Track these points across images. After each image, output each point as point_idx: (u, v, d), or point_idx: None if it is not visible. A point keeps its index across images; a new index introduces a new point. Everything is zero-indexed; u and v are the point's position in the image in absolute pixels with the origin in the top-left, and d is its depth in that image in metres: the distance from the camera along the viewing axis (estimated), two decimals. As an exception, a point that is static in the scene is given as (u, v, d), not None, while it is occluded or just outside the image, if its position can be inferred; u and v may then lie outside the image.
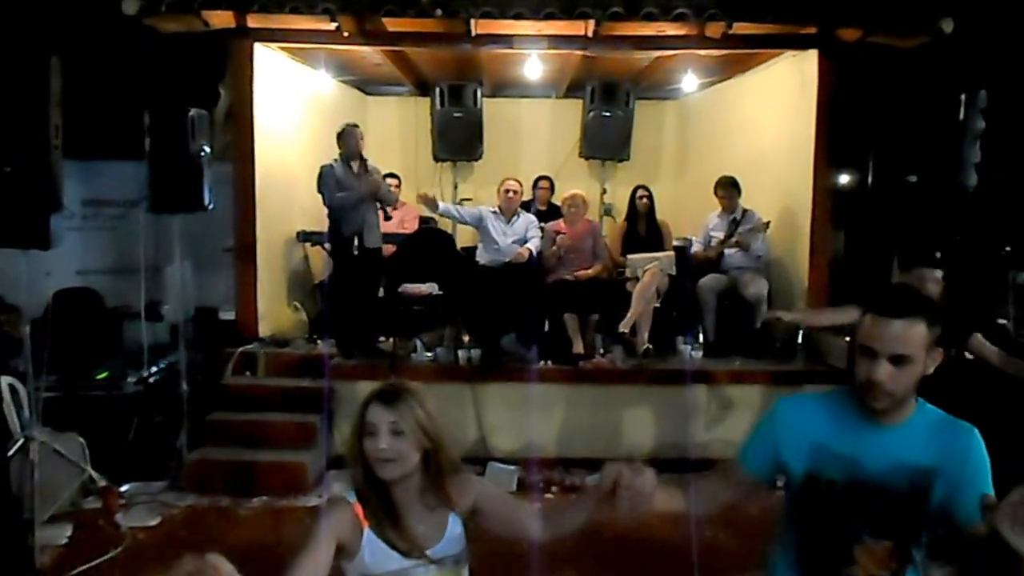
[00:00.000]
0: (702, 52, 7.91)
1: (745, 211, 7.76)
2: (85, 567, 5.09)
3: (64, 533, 5.55)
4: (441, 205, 8.02)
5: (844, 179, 7.15)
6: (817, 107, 7.40)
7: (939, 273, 4.86)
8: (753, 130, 8.73)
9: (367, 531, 2.33)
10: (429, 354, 7.22)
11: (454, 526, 2.43)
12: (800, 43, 7.50)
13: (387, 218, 7.41)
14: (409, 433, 2.32)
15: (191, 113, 6.45)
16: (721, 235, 7.72)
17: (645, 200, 8.20)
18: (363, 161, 7.25)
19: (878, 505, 2.22)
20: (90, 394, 6.74)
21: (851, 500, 2.25)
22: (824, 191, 7.42)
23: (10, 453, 5.31)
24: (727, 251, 7.63)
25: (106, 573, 5.10)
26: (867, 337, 2.20)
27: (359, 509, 2.33)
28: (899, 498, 2.21)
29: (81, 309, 7.64)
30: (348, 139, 7.20)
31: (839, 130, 7.28)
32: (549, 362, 7.12)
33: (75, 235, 8.50)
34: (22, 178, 4.88)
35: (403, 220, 8.48)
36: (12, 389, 5.60)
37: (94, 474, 5.98)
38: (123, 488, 6.26)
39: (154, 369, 7.23)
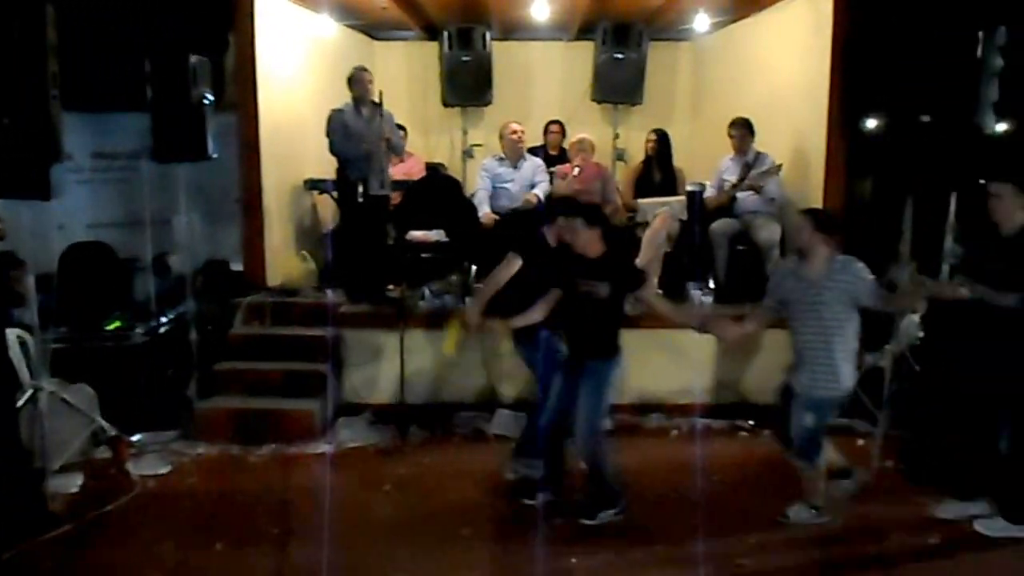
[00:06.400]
0: (715, -10, 7.74)
1: (758, 154, 7.61)
2: (96, 513, 5.16)
3: (75, 481, 5.62)
4: (481, 207, 7.88)
5: (859, 121, 6.99)
6: (832, 47, 7.22)
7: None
8: (768, 71, 8.54)
9: None
10: (438, 301, 7.18)
11: None
12: (815, -20, 7.31)
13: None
14: None
15: (192, 60, 6.40)
16: (734, 179, 7.59)
17: (652, 144, 8.11)
18: (374, 105, 7.16)
19: None
20: (100, 345, 6.76)
21: None
22: (838, 133, 7.25)
23: (19, 404, 5.37)
24: (740, 195, 7.51)
25: (117, 519, 5.15)
26: None
27: None
28: None
29: (92, 262, 7.65)
30: (357, 83, 7.14)
31: (854, 71, 7.10)
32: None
33: (86, 188, 8.52)
34: (21, 129, 4.86)
35: (410, 169, 8.42)
36: (20, 341, 5.63)
37: (104, 424, 6.02)
38: (134, 438, 6.32)
39: (163, 320, 7.25)
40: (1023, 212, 4.90)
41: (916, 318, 6.31)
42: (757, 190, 7.38)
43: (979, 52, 5.90)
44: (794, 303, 4.85)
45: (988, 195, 5.00)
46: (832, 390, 4.78)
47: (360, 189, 7.03)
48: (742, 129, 7.62)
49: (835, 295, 4.70)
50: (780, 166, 7.36)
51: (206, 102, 6.47)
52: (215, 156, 6.62)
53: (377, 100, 7.11)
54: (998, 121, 5.92)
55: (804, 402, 4.83)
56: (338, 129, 7.10)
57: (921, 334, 6.24)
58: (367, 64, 7.82)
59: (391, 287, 7.28)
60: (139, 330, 7.00)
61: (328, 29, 8.69)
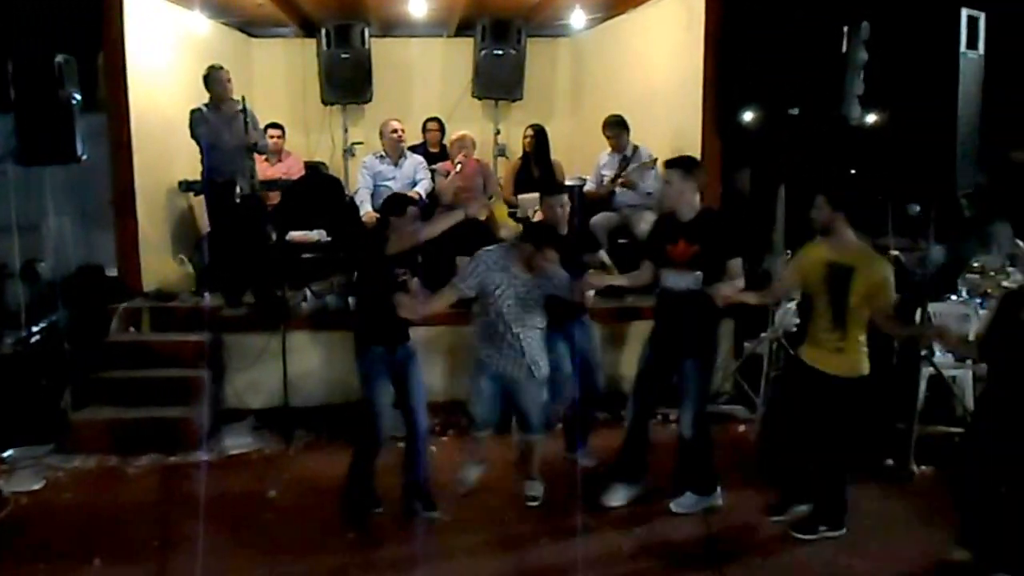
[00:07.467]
0: (590, -14, 7.81)
1: (636, 148, 7.75)
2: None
3: (-58, 502, 5.38)
4: (363, 206, 7.79)
5: (733, 114, 7.17)
6: (705, 42, 7.37)
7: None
8: (644, 67, 8.69)
9: None
10: (319, 302, 7.08)
11: None
12: (685, -24, 7.45)
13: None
14: None
15: (57, 59, 6.18)
16: (612, 173, 7.70)
17: (529, 139, 8.19)
18: (234, 104, 7.02)
19: None
20: (-35, 358, 6.49)
21: None
22: (712, 127, 7.42)
23: None
24: (618, 189, 7.63)
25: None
26: None
27: None
28: None
29: (-43, 271, 7.33)
30: (214, 83, 7.01)
31: (727, 65, 7.27)
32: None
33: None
34: None
35: (289, 168, 8.30)
36: None
37: (-29, 441, 5.79)
38: (5, 453, 6.10)
39: (34, 329, 6.97)
40: (696, 195, 5.08)
41: (792, 306, 6.51)
42: (631, 186, 7.51)
43: (844, 46, 6.12)
44: (499, 295, 5.08)
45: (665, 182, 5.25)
46: (536, 370, 5.17)
47: (238, 190, 6.88)
48: (616, 128, 7.76)
49: (538, 289, 5.10)
50: (655, 160, 7.49)
51: (74, 102, 6.26)
52: (85, 158, 6.40)
53: (238, 99, 6.99)
54: (864, 112, 6.15)
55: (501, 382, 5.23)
56: (200, 129, 7.00)
57: (797, 321, 6.43)
58: (244, 62, 7.67)
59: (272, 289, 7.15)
60: (8, 340, 6.71)
61: (201, 26, 8.47)
